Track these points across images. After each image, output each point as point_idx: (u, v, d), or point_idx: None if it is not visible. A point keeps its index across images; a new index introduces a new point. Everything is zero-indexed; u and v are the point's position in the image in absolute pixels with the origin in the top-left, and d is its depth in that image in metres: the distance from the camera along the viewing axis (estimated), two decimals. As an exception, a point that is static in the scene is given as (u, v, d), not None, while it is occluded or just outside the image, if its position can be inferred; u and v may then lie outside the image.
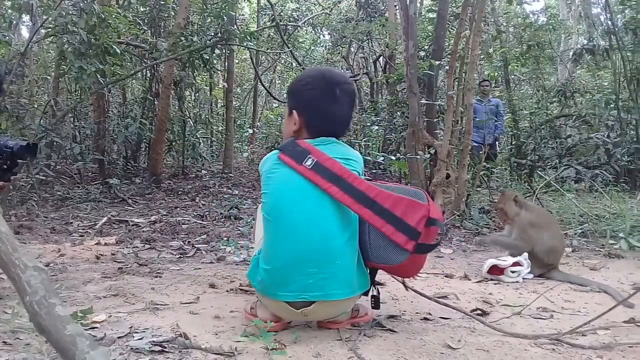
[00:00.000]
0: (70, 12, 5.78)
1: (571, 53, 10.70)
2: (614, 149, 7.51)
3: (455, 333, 2.03)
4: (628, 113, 7.77)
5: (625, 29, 8.21)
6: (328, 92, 1.99)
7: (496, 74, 10.33)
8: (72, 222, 4.80)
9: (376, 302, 2.09)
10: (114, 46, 6.01)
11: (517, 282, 3.00)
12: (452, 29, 7.87)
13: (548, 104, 9.66)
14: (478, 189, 5.79)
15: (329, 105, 1.99)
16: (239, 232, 4.46)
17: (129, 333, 1.90)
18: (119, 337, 1.85)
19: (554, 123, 9.10)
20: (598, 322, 2.06)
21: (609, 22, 8.39)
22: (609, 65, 8.90)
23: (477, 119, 7.46)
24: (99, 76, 6.13)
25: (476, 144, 6.77)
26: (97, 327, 1.96)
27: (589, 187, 6.55)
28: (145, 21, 8.10)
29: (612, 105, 7.84)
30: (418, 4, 8.49)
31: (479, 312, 2.32)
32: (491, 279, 3.03)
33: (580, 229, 4.51)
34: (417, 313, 2.29)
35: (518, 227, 3.24)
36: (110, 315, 2.10)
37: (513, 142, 8.94)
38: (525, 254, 3.09)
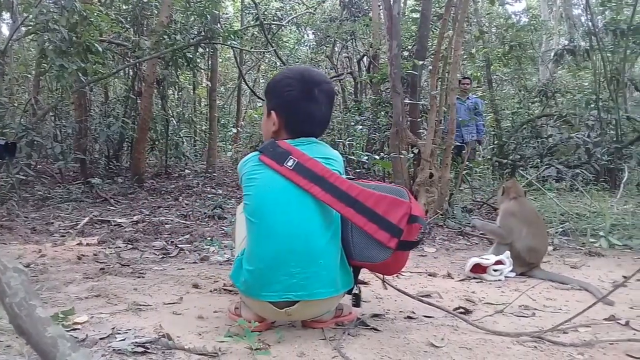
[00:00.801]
0: (51, 10, 5.71)
1: (552, 53, 10.81)
2: (594, 149, 7.61)
3: (439, 331, 2.04)
4: (608, 113, 7.89)
5: (606, 30, 8.32)
6: (307, 93, 1.98)
7: (479, 74, 10.41)
8: (53, 222, 4.74)
9: (357, 301, 2.10)
10: (96, 44, 5.95)
11: (499, 280, 3.02)
12: (435, 29, 7.92)
13: (530, 104, 9.78)
14: (460, 188, 5.84)
15: (308, 107, 1.98)
16: (222, 231, 4.44)
17: (111, 334, 1.88)
18: (101, 339, 1.83)
19: (536, 123, 9.21)
20: (579, 320, 2.09)
21: (590, 23, 8.50)
22: (589, 65, 9.01)
23: (460, 119, 7.50)
24: (80, 75, 6.06)
25: (457, 144, 6.82)
26: (78, 329, 1.93)
27: (569, 186, 6.64)
28: (128, 19, 8.03)
29: (592, 105, 7.96)
30: (402, 4, 8.53)
31: (462, 310, 2.33)
32: (474, 278, 3.06)
33: (561, 227, 4.57)
34: (400, 312, 2.31)
35: (500, 215, 3.33)
36: (92, 317, 2.08)
37: (495, 142, 9.04)
38: (507, 252, 3.12)
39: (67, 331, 1.81)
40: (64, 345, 1.15)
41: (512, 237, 3.19)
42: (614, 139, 7.79)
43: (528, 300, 2.54)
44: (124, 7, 8.47)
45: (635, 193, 6.34)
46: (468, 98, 8.15)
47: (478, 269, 3.06)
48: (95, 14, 6.01)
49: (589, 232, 4.30)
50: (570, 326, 2.07)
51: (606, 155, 7.53)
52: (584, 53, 8.88)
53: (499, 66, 10.68)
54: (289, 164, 1.90)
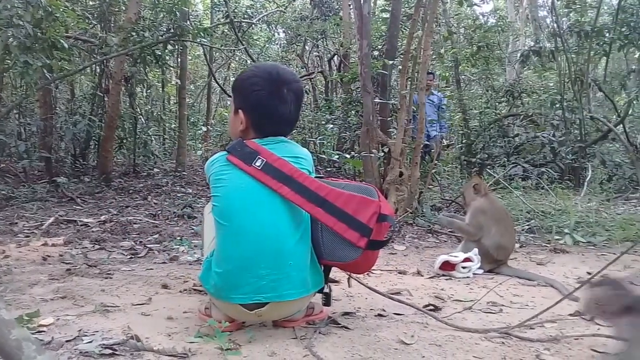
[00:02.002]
0: (15, 5, 5.56)
1: (519, 54, 10.98)
2: (559, 148, 7.77)
3: (409, 328, 2.06)
4: (572, 113, 8.06)
5: (570, 32, 8.50)
6: (275, 93, 1.96)
7: (447, 74, 10.52)
8: (17, 223, 4.63)
9: (327, 299, 2.11)
10: (62, 40, 5.81)
11: (467, 277, 3.07)
12: (404, 29, 7.97)
13: (497, 103, 9.92)
14: (429, 186, 5.89)
15: (276, 107, 1.96)
16: (192, 231, 4.40)
17: (78, 336, 1.85)
18: (67, 341, 1.80)
19: (503, 122, 9.35)
20: (545, 316, 2.13)
21: (555, 25, 8.67)
22: (554, 66, 9.19)
23: (429, 118, 7.46)
24: (45, 71, 5.91)
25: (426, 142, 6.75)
26: (44, 331, 1.90)
27: (535, 185, 6.76)
28: (95, 15, 7.87)
29: (557, 105, 8.12)
30: (372, 4, 8.54)
31: (431, 307, 2.36)
32: (443, 275, 3.10)
33: (528, 225, 4.66)
34: (371, 309, 2.32)
35: (470, 212, 3.35)
36: (58, 318, 2.04)
37: (463, 141, 9.16)
38: (476, 250, 3.17)
39: (33, 334, 1.77)
40: (29, 348, 1.13)
41: (481, 234, 3.23)
42: (578, 138, 7.96)
43: (496, 297, 2.58)
44: (91, 2, 8.31)
45: (599, 191, 6.50)
46: (432, 93, 8.03)
47: (447, 266, 3.10)
48: (61, 9, 5.87)
49: (554, 229, 4.39)
50: (537, 322, 2.11)
51: (570, 154, 7.70)
52: (549, 54, 9.05)
53: (467, 66, 10.80)
54: (257, 163, 1.89)
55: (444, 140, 8.37)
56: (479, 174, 7.97)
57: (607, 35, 8.13)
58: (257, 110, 1.98)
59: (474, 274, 3.12)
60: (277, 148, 1.95)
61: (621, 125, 8.09)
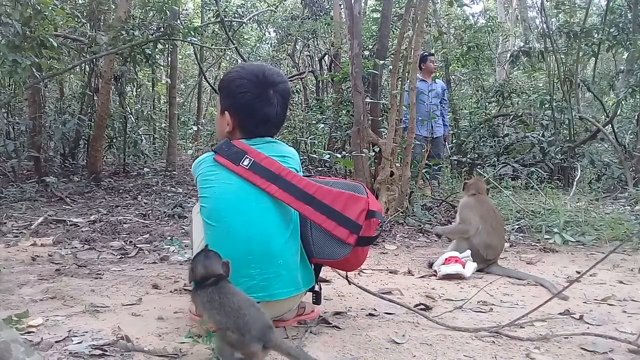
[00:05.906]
0: (3, 3, 5.52)
1: (508, 55, 11.04)
2: (549, 148, 7.81)
3: (400, 328, 2.06)
4: (561, 113, 8.11)
5: (559, 32, 8.54)
6: (262, 96, 1.96)
7: (438, 74, 10.55)
8: (5, 223, 4.59)
9: (317, 298, 2.11)
10: (51, 39, 5.77)
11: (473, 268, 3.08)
12: (395, 29, 7.98)
13: (487, 103, 9.95)
14: (420, 187, 5.89)
15: (262, 109, 1.97)
16: (183, 230, 4.38)
17: (68, 337, 1.84)
18: (56, 342, 1.79)
19: (492, 122, 9.39)
20: (535, 315, 2.15)
21: (544, 26, 8.71)
22: (543, 67, 9.23)
23: (429, 107, 6.26)
24: (34, 70, 5.87)
25: (419, 141, 6.10)
26: (33, 332, 1.88)
27: (525, 184, 6.79)
28: (84, 14, 7.82)
29: (546, 106, 8.16)
30: (362, 4, 8.56)
31: (422, 307, 2.37)
32: (447, 274, 3.04)
33: (517, 224, 4.68)
34: (362, 309, 2.32)
35: (458, 210, 3.41)
36: (48, 319, 2.03)
37: (454, 141, 9.17)
38: (468, 251, 3.17)
39: (21, 334, 1.76)
40: (17, 349, 1.12)
41: (473, 229, 3.23)
42: (567, 138, 8.00)
43: (486, 296, 2.59)
44: (80, 1, 8.25)
45: (588, 191, 6.54)
46: (435, 81, 6.95)
47: (451, 259, 3.10)
48: (50, 7, 5.82)
49: (543, 228, 4.42)
50: (527, 321, 2.12)
51: (560, 154, 7.74)
52: (538, 54, 9.10)
53: (457, 66, 10.83)
54: (245, 163, 1.89)
55: (446, 140, 7.53)
56: (469, 174, 8.01)
57: (595, 36, 8.19)
58: (244, 113, 1.98)
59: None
60: (264, 148, 1.95)
61: (610, 125, 8.15)
